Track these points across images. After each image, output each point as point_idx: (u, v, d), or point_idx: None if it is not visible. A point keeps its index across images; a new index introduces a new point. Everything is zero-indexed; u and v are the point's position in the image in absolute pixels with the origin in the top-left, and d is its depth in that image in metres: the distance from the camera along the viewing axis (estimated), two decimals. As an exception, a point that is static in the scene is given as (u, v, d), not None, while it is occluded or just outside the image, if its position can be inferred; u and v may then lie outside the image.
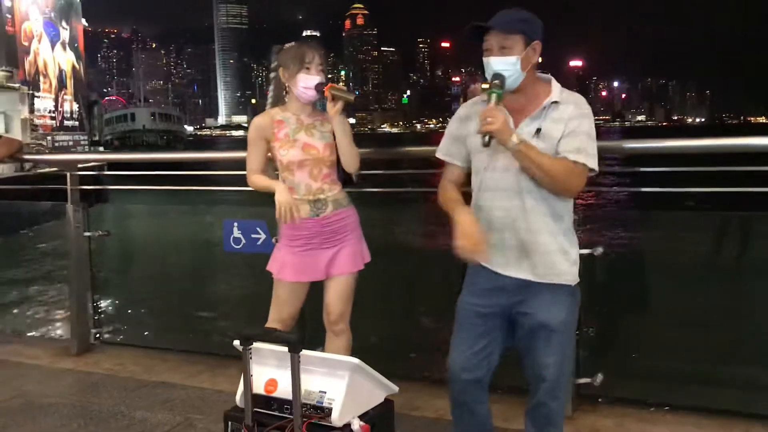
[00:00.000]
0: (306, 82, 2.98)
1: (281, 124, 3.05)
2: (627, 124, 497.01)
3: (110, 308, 4.99)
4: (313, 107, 3.11)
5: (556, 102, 2.38)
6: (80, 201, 4.58)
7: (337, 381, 1.94)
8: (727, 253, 3.76)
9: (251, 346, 1.94)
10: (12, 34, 33.33)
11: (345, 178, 3.14)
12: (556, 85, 2.44)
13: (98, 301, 4.77)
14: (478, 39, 2.40)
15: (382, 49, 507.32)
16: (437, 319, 4.13)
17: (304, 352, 1.81)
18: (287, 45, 3.12)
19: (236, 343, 2.01)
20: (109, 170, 6.04)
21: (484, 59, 2.38)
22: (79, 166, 4.71)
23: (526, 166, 2.31)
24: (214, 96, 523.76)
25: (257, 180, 3.06)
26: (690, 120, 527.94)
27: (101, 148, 44.98)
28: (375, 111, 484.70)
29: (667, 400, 3.44)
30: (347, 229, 3.07)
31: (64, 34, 39.82)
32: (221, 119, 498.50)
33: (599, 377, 3.41)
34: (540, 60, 2.42)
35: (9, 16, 33.28)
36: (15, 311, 5.81)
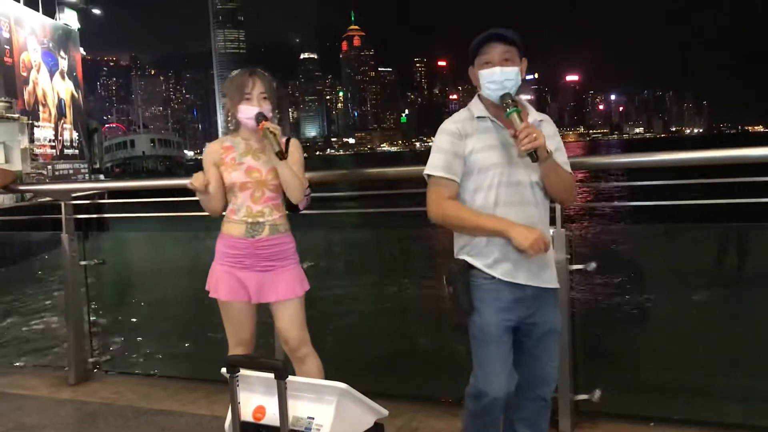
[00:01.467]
0: (245, 113, 3.01)
1: (230, 150, 3.10)
2: (625, 136, 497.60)
3: (107, 337, 4.97)
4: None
5: (540, 120, 2.51)
6: (75, 230, 4.58)
7: (325, 406, 1.92)
8: (728, 264, 3.75)
9: (238, 374, 1.93)
10: (10, 65, 33.53)
11: (292, 207, 3.14)
12: (526, 103, 2.55)
13: (95, 330, 4.75)
14: (472, 55, 2.48)
15: (379, 69, 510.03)
16: (435, 337, 4.12)
17: (291, 378, 1.79)
18: (233, 73, 3.14)
19: (224, 370, 2.00)
20: (109, 198, 6.04)
21: (485, 71, 2.43)
22: (73, 195, 4.71)
23: (551, 179, 2.43)
24: (213, 120, 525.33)
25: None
26: (688, 131, 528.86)
27: (101, 176, 45.07)
28: (374, 131, 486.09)
29: (670, 415, 3.40)
30: (283, 255, 3.07)
31: (63, 64, 40.05)
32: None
33: (597, 393, 3.38)
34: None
35: (7, 47, 33.48)
36: (14, 342, 5.80)
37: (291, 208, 3.15)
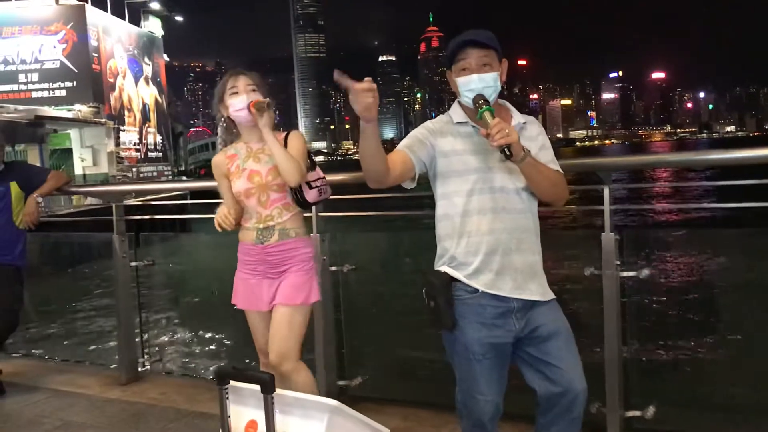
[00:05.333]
0: (235, 105, 2.92)
1: (234, 158, 3.03)
2: (715, 135, 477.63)
3: (158, 337, 5.02)
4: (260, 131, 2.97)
5: (524, 123, 2.42)
6: (126, 232, 4.63)
7: (315, 424, 1.79)
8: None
9: (227, 386, 1.84)
10: (98, 72, 35.12)
11: (301, 201, 3.00)
12: (510, 106, 2.47)
13: (146, 331, 4.80)
14: (449, 60, 2.36)
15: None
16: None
17: (279, 392, 1.68)
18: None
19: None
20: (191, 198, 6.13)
21: (462, 78, 2.31)
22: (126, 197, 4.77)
23: (534, 178, 2.27)
24: (294, 123, 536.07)
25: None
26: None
27: (184, 177, 46.67)
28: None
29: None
30: (293, 261, 2.94)
31: (147, 70, 41.68)
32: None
33: (651, 410, 3.13)
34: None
35: (95, 55, 35.09)
36: (73, 340, 5.95)
37: (302, 204, 3.02)
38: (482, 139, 2.28)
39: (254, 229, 2.96)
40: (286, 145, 2.95)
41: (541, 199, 2.40)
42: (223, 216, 2.92)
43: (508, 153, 2.16)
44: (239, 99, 2.91)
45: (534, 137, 2.40)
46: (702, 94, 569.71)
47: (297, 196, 2.97)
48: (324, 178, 3.08)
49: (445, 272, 2.33)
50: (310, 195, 3.00)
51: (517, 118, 2.41)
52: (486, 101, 2.24)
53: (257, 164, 2.96)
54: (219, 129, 3.12)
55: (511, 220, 2.30)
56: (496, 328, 2.29)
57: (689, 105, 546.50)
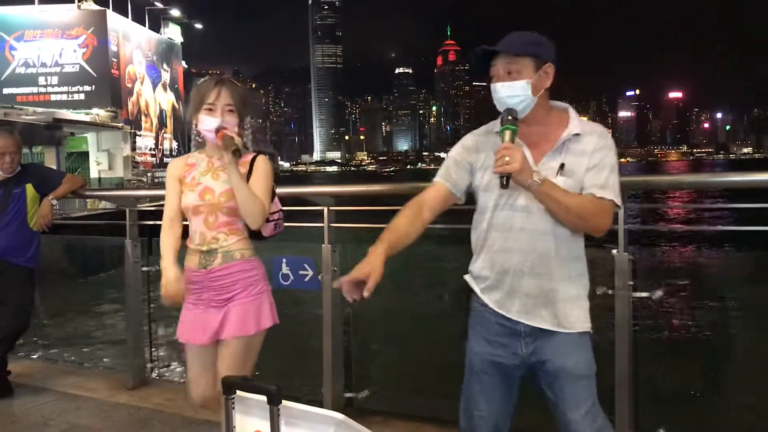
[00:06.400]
0: (205, 124, 2.70)
1: (192, 167, 2.81)
2: (732, 156, 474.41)
3: (166, 343, 5.02)
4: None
5: (577, 134, 2.16)
6: (139, 236, 4.65)
7: (321, 437, 1.80)
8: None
9: (233, 395, 1.83)
10: (117, 77, 35.52)
11: (255, 233, 2.80)
12: (574, 115, 2.22)
13: (155, 336, 4.80)
14: (485, 67, 2.21)
15: (474, 83, 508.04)
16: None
17: (285, 404, 1.67)
18: (200, 81, 2.87)
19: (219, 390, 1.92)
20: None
21: (491, 86, 2.19)
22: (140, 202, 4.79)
23: (550, 208, 2.09)
24: (309, 133, 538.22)
25: (163, 244, 2.76)
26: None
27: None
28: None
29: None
30: (238, 285, 2.71)
31: (165, 76, 42.11)
32: (316, 155, 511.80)
33: (660, 433, 3.10)
34: (550, 85, 2.19)
35: (115, 60, 35.53)
36: (81, 343, 5.96)
37: (254, 234, 2.80)
38: (477, 150, 2.26)
39: (197, 252, 2.74)
40: (251, 169, 2.74)
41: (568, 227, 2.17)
42: (169, 295, 2.68)
43: (504, 183, 2.05)
44: (210, 120, 2.68)
45: (587, 152, 2.13)
46: (719, 115, 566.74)
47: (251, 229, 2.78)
48: (280, 210, 2.92)
49: (466, 281, 2.31)
50: (266, 229, 2.83)
51: (572, 128, 2.17)
52: (515, 118, 2.11)
53: (214, 181, 2.74)
54: (194, 136, 2.93)
55: (528, 241, 2.17)
56: (500, 347, 2.23)
57: (706, 125, 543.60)
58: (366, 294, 2.04)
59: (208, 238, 2.72)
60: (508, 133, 2.07)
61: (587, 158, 2.13)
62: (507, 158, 2.01)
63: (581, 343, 2.19)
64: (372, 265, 2.07)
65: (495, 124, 2.26)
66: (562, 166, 2.13)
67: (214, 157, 2.79)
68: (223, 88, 2.71)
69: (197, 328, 2.75)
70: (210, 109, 2.69)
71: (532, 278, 2.17)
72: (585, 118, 2.27)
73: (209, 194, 2.72)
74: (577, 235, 2.19)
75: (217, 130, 2.66)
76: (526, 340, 2.20)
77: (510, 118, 2.10)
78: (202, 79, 2.91)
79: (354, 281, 2.07)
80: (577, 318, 2.19)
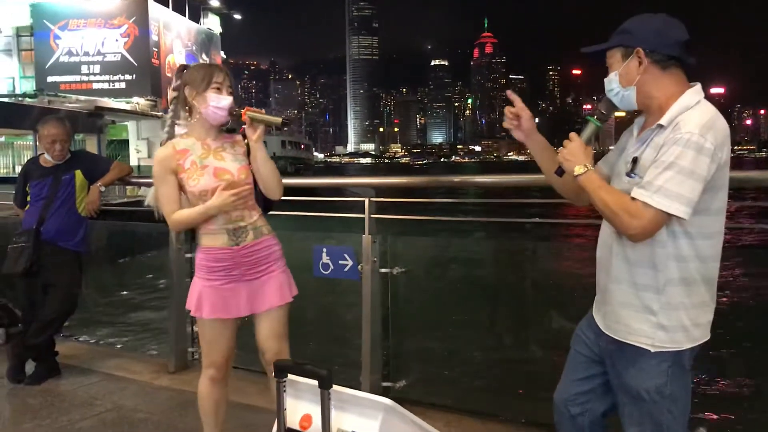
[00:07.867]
0: (217, 102, 2.73)
1: (185, 153, 2.78)
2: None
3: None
4: (218, 130, 2.85)
5: (661, 126, 1.98)
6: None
7: (370, 422, 1.82)
8: None
9: (285, 379, 1.88)
10: (157, 66, 35.96)
11: (266, 205, 2.92)
12: (680, 101, 1.99)
13: (196, 322, 4.89)
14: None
15: (510, 76, 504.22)
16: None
17: (336, 388, 1.72)
18: (194, 64, 2.88)
19: (272, 375, 1.97)
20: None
21: None
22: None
23: (587, 196, 2.08)
24: (344, 124, 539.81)
25: (182, 216, 2.74)
26: None
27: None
28: (502, 139, 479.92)
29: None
30: (271, 259, 2.83)
31: (204, 66, 42.45)
32: (350, 147, 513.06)
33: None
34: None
35: (155, 50, 35.96)
36: (125, 327, 6.10)
37: (266, 209, 2.93)
38: (622, 149, 2.20)
39: (221, 231, 2.76)
40: (247, 150, 2.83)
41: None
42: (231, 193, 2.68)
43: (558, 171, 2.16)
44: (223, 98, 2.74)
45: (658, 146, 1.95)
46: (762, 111, 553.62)
47: (265, 200, 2.89)
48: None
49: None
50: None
51: (662, 119, 1.98)
52: (602, 112, 2.14)
53: (222, 162, 2.77)
54: (168, 117, 2.92)
55: (606, 236, 2.18)
56: (586, 329, 2.31)
57: (748, 122, 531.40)
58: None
59: (233, 217, 2.76)
60: (589, 127, 2.14)
61: (657, 152, 1.94)
62: (566, 152, 2.08)
63: (641, 360, 2.04)
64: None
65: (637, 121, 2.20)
66: (635, 160, 2.03)
67: (207, 139, 2.82)
68: (226, 73, 2.78)
69: (229, 304, 2.80)
70: (218, 89, 2.75)
71: (606, 275, 2.17)
72: (623, 113, 2.27)
73: (227, 174, 2.74)
74: (658, 241, 1.98)
75: (231, 110, 2.73)
76: (598, 334, 2.23)
77: (597, 111, 2.15)
78: (195, 63, 2.97)
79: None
80: (633, 330, 2.05)
